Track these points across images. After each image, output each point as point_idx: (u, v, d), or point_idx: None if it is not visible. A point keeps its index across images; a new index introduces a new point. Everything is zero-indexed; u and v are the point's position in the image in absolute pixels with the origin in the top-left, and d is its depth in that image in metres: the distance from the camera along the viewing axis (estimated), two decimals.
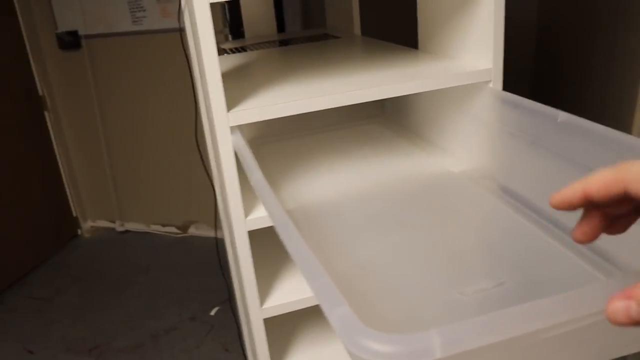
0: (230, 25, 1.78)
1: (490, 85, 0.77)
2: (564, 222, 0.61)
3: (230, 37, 1.95)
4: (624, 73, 1.64)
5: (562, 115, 0.62)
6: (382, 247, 0.60)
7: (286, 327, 0.99)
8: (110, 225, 2.83)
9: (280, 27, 1.78)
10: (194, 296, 2.24)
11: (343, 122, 1.04)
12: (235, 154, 0.68)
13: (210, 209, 2.67)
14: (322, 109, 0.70)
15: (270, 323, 0.86)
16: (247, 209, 0.74)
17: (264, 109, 0.68)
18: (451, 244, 0.61)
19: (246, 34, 1.53)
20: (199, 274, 2.38)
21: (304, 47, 1.19)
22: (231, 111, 0.67)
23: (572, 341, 0.32)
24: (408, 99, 0.97)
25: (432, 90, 0.90)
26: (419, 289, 0.51)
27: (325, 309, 0.32)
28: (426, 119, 0.93)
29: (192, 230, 2.73)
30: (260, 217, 0.72)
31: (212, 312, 2.14)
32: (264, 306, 0.77)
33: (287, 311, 0.78)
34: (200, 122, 1.34)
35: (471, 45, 0.80)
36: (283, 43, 1.33)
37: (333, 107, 0.70)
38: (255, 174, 0.52)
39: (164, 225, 2.75)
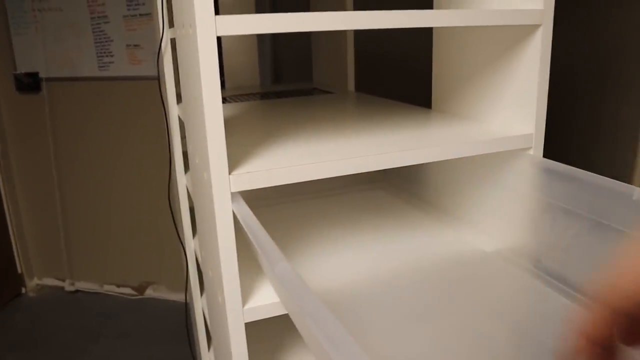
0: None
1: (531, 152, 0.66)
2: None
3: None
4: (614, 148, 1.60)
5: (637, 193, 0.52)
6: (416, 344, 0.47)
7: None
8: (59, 283, 2.58)
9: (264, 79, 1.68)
10: None
11: (341, 186, 0.91)
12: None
13: (170, 269, 2.47)
14: (341, 174, 0.57)
15: None
16: (245, 296, 0.59)
17: (273, 172, 0.54)
18: (491, 339, 0.48)
19: (226, 85, 1.41)
20: (156, 342, 2.15)
21: (296, 102, 1.07)
22: (233, 173, 0.54)
23: None
24: (421, 165, 0.86)
25: (457, 159, 0.79)
26: None
27: None
28: (442, 187, 0.81)
29: (150, 292, 2.51)
30: (261, 305, 0.57)
31: None
32: None
33: None
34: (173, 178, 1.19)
35: (506, 107, 0.70)
36: (267, 96, 1.22)
37: (355, 172, 0.57)
38: (280, 263, 0.38)
39: (118, 286, 2.53)
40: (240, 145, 0.66)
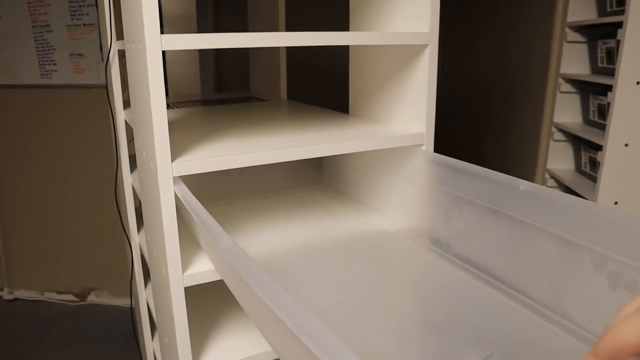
0: None
1: (423, 148, 0.82)
2: (505, 277, 0.65)
3: None
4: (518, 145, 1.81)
5: (475, 168, 0.67)
6: (336, 306, 0.60)
7: None
8: None
9: (205, 88, 1.79)
10: None
11: (284, 187, 1.04)
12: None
13: (113, 275, 2.50)
14: (266, 163, 0.70)
15: None
16: (184, 265, 0.70)
17: (208, 160, 0.67)
18: (389, 298, 0.62)
19: (170, 93, 1.52)
20: (97, 347, 2.18)
21: (233, 107, 1.20)
22: (175, 161, 0.65)
23: None
24: (344, 166, 1.00)
25: (368, 156, 0.94)
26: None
27: None
28: (361, 184, 0.96)
29: (92, 298, 2.53)
30: (199, 272, 0.69)
31: None
32: None
33: None
34: (120, 181, 1.28)
35: (404, 111, 0.85)
36: (207, 103, 1.34)
37: (275, 161, 0.70)
38: (216, 231, 0.50)
39: (59, 293, 2.53)
40: (182, 141, 0.78)
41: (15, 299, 2.53)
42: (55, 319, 2.40)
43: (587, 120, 1.57)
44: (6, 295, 2.53)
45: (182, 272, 0.68)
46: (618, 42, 1.26)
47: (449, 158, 0.76)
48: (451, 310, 0.61)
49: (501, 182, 0.64)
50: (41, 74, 2.28)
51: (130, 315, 1.77)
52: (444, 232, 0.74)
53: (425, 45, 0.80)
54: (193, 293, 0.92)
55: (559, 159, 1.62)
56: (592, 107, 1.52)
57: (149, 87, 0.62)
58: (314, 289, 0.64)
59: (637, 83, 1.24)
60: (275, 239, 0.80)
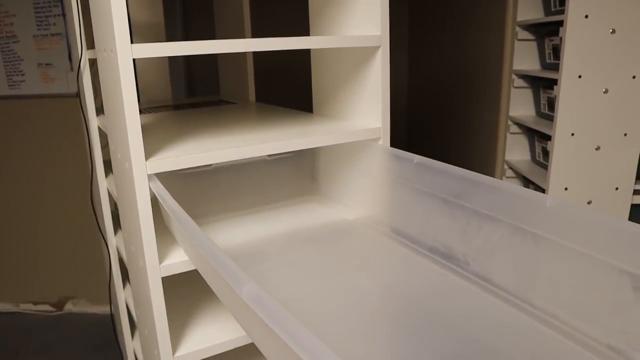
0: None
1: (380, 142, 0.89)
2: (454, 252, 0.72)
3: None
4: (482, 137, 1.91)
5: (418, 159, 0.75)
6: (293, 284, 0.66)
7: None
8: None
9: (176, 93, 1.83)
10: None
11: (262, 190, 1.09)
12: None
13: (90, 282, 2.51)
14: (234, 159, 0.76)
15: None
16: (160, 257, 0.76)
17: (180, 158, 0.72)
18: (354, 282, 0.68)
19: (141, 99, 1.56)
20: (77, 355, 2.20)
21: (203, 111, 1.25)
22: (149, 160, 0.71)
23: None
24: (316, 164, 1.06)
25: (332, 152, 1.00)
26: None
27: None
28: (327, 178, 1.02)
29: (69, 307, 2.53)
30: (174, 263, 0.74)
31: None
32: (177, 354, 0.78)
33: (202, 358, 0.79)
34: (95, 185, 1.32)
35: (362, 108, 0.92)
36: (178, 107, 1.39)
37: (243, 158, 0.76)
38: (187, 222, 0.56)
39: (35, 304, 2.52)
40: (155, 142, 0.83)
41: None
42: (32, 329, 2.40)
43: (539, 113, 1.67)
44: None
45: (159, 263, 0.74)
46: (561, 40, 1.35)
47: (404, 152, 0.83)
48: (409, 292, 0.68)
49: (458, 175, 0.70)
50: (9, 85, 2.28)
51: (110, 321, 1.80)
52: (400, 221, 0.81)
53: (377, 47, 0.87)
54: (170, 285, 0.97)
55: (516, 150, 1.72)
56: (543, 101, 1.61)
57: (121, 92, 0.67)
58: (280, 275, 0.71)
59: (579, 77, 1.34)
60: (243, 231, 0.86)
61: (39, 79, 2.28)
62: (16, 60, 2.26)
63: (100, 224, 1.35)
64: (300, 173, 1.02)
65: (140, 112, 1.31)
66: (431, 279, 0.70)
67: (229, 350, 0.88)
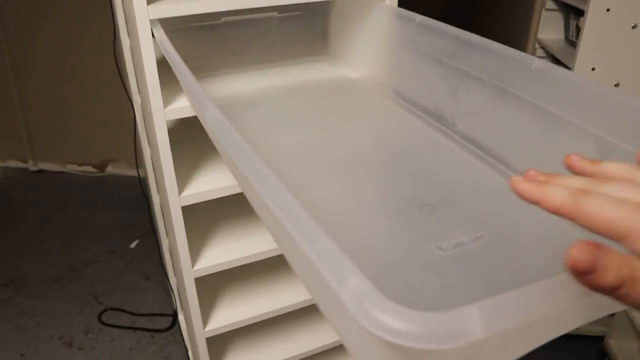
0: None
1: (387, 1, 0.87)
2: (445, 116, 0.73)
3: None
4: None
5: (429, 21, 0.73)
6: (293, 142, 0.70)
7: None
8: (23, 165, 2.73)
9: None
10: (112, 231, 2.25)
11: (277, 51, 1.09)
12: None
13: (128, 146, 2.65)
14: (235, 7, 0.77)
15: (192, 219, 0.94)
16: (166, 103, 0.80)
17: (181, 4, 0.74)
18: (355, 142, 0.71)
19: None
20: (117, 211, 2.39)
21: None
22: (151, 4, 0.73)
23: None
24: (329, 25, 1.05)
25: (342, 12, 0.99)
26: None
27: (333, 281, 0.25)
28: (334, 39, 1.02)
29: (110, 169, 2.70)
30: (179, 107, 0.79)
31: (132, 245, 2.18)
32: (183, 194, 0.86)
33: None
34: (120, 48, 1.35)
35: None
36: None
37: (242, 7, 0.77)
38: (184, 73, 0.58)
39: (80, 165, 2.70)
40: None
41: (40, 170, 2.72)
42: (77, 188, 2.60)
43: None
44: (31, 167, 2.71)
45: (163, 108, 0.79)
46: None
47: (407, 11, 0.81)
48: (391, 145, 0.71)
49: (453, 35, 0.69)
50: None
51: (139, 185, 1.94)
52: (399, 80, 0.82)
53: None
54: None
55: (551, 28, 1.64)
56: None
57: None
58: (270, 120, 0.74)
59: None
60: (246, 83, 0.89)
61: None
62: None
63: (125, 84, 1.40)
64: (312, 32, 1.02)
65: None
66: (416, 135, 0.72)
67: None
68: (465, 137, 0.68)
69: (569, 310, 0.28)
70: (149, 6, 0.72)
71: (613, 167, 0.34)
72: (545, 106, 0.57)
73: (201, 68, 0.93)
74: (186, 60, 0.65)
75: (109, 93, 2.45)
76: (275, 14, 0.96)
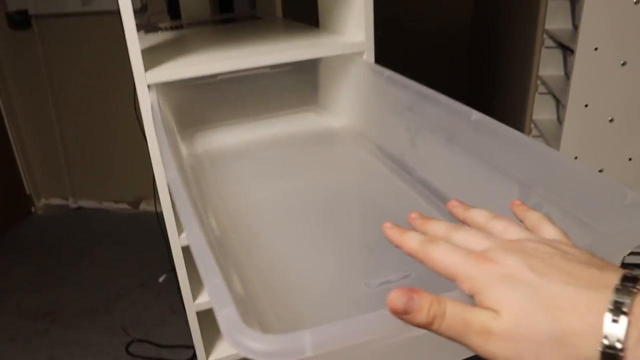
0: (169, 6, 1.93)
1: (364, 57, 0.96)
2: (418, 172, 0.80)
3: (168, 17, 2.08)
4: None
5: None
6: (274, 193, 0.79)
7: None
8: (64, 202, 2.92)
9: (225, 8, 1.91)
10: (143, 265, 2.38)
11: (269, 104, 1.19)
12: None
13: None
14: (222, 71, 0.87)
15: None
16: None
17: (174, 70, 0.85)
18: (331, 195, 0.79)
19: (182, 15, 1.68)
20: (148, 246, 2.51)
21: (229, 27, 1.35)
22: (149, 71, 0.84)
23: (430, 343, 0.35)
24: (319, 77, 1.14)
25: (329, 66, 1.08)
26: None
27: (215, 307, 0.34)
28: (322, 90, 1.12)
29: (144, 206, 2.85)
30: None
31: (160, 279, 2.29)
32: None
33: None
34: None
35: (350, 23, 0.98)
36: (214, 23, 1.49)
37: (230, 70, 0.87)
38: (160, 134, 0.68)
39: (116, 202, 2.86)
40: (164, 56, 0.96)
41: (79, 208, 2.90)
42: (113, 224, 2.75)
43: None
44: (71, 204, 2.89)
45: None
46: None
47: (379, 66, 0.89)
48: (354, 190, 0.79)
49: (413, 88, 0.76)
50: (82, 2, 2.47)
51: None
52: (372, 129, 0.90)
53: None
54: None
55: (551, 65, 1.68)
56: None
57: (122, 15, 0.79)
58: (248, 170, 0.83)
59: None
60: (237, 135, 0.99)
61: None
62: None
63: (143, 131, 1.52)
64: (303, 85, 1.11)
65: (170, 28, 1.44)
66: (382, 183, 0.80)
67: None
68: (422, 182, 0.75)
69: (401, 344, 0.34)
70: (146, 73, 0.83)
71: (476, 215, 0.41)
72: (480, 154, 0.64)
73: (200, 121, 1.03)
74: (187, 115, 0.75)
75: (141, 137, 2.61)
76: (267, 69, 1.06)
